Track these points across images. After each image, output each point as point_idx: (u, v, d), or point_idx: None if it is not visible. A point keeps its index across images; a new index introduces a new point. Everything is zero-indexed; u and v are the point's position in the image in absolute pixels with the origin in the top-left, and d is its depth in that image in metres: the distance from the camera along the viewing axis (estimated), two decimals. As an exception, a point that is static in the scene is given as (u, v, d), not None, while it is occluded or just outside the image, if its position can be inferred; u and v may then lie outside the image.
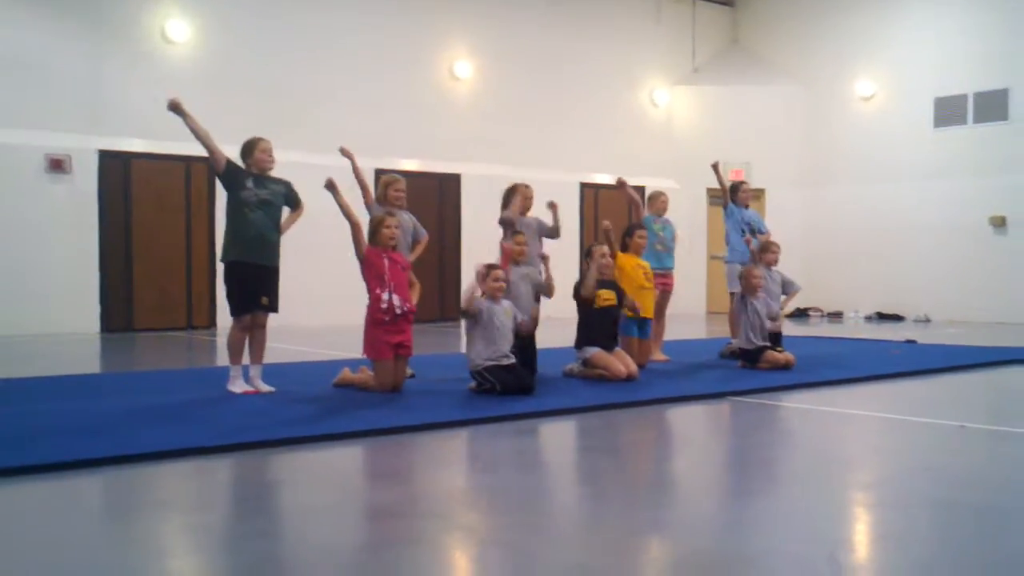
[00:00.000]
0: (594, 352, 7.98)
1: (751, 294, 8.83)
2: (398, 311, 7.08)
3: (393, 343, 7.06)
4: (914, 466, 5.05)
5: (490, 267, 7.33)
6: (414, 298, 7.30)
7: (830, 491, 4.47)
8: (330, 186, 7.07)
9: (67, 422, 5.73)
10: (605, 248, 8.29)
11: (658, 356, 9.45)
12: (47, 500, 4.24)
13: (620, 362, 7.94)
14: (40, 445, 5.04)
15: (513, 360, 7.15)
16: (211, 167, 7.19)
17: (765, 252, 9.40)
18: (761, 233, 10.16)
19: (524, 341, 7.60)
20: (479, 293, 7.15)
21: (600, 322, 8.10)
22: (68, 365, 9.36)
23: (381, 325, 7.05)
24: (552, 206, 8.35)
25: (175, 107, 6.88)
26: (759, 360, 8.67)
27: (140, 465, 4.79)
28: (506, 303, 7.32)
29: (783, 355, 8.72)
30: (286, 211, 7.30)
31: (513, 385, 6.93)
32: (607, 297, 8.13)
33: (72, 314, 13.11)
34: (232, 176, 7.01)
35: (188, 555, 3.57)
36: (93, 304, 13.37)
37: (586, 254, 8.30)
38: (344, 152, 7.94)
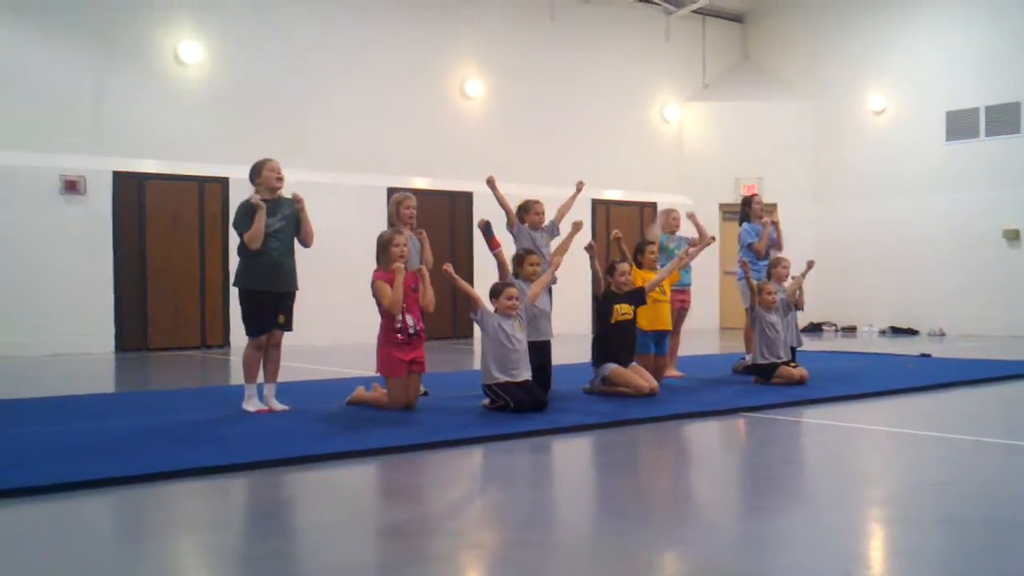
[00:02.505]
0: (612, 368, 7.97)
1: (766, 310, 8.82)
2: (412, 331, 7.10)
3: (407, 360, 7.08)
4: (928, 481, 5.03)
5: (505, 284, 7.34)
6: (428, 294, 7.28)
7: (845, 507, 4.46)
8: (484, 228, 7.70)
9: (81, 442, 5.76)
10: (626, 266, 8.32)
11: (672, 372, 9.43)
12: (61, 520, 4.26)
13: (641, 378, 7.93)
14: (54, 465, 5.06)
15: (528, 376, 7.15)
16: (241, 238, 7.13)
17: (775, 267, 9.37)
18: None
19: (540, 356, 7.59)
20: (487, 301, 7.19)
21: (617, 337, 8.10)
22: (82, 385, 9.41)
23: (395, 344, 7.06)
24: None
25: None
26: (773, 375, 8.64)
27: (154, 485, 4.80)
28: (520, 320, 7.32)
29: (797, 370, 8.69)
30: None
31: (526, 402, 6.92)
32: (624, 312, 8.13)
33: (87, 334, 13.18)
34: (249, 216, 6.99)
35: (202, 575, 3.58)
36: (108, 324, 13.44)
37: (608, 271, 8.31)
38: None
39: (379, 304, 7.11)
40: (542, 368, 7.64)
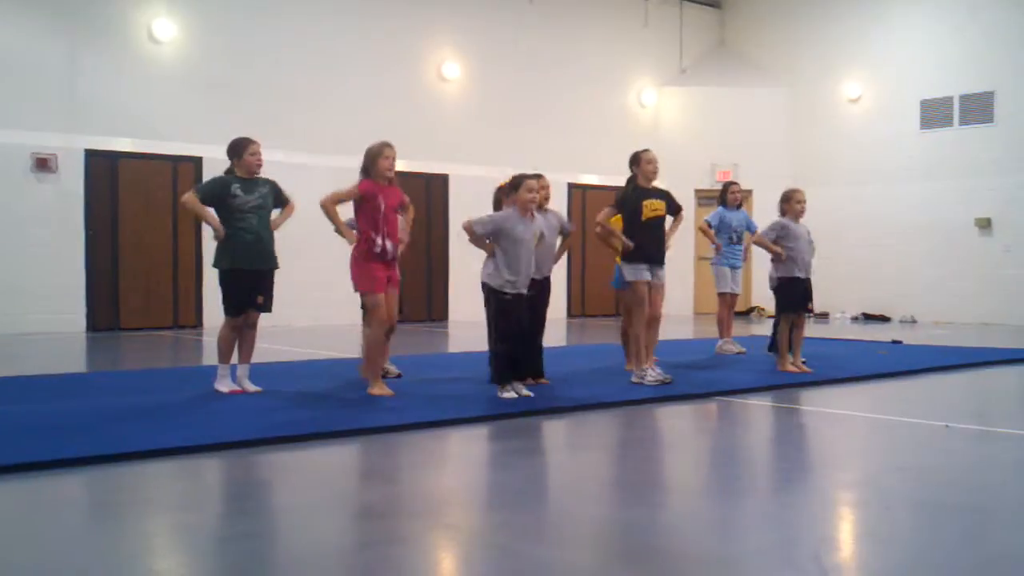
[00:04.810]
0: (638, 281, 7.66)
1: (796, 218, 8.81)
2: (390, 256, 7.01)
3: (384, 277, 6.97)
4: (899, 466, 5.08)
5: (524, 176, 6.90)
6: (409, 218, 7.36)
7: (815, 490, 4.50)
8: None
9: (53, 421, 5.71)
10: (652, 153, 7.78)
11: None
12: (32, 499, 4.22)
13: (651, 301, 7.73)
14: (25, 444, 5.02)
15: (525, 292, 6.89)
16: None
17: (787, 202, 9.13)
18: (750, 232, 10.28)
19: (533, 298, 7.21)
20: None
21: (649, 237, 7.66)
22: (54, 364, 9.32)
23: (373, 258, 6.91)
24: None
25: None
26: (807, 296, 8.64)
27: (126, 464, 4.78)
28: (540, 221, 7.06)
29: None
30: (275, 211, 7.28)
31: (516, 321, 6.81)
32: (655, 208, 7.65)
33: (58, 313, 13.05)
34: (217, 193, 6.94)
35: (174, 554, 3.57)
36: (79, 303, 13.31)
37: (632, 162, 7.79)
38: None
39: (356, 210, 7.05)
40: (535, 310, 7.32)
